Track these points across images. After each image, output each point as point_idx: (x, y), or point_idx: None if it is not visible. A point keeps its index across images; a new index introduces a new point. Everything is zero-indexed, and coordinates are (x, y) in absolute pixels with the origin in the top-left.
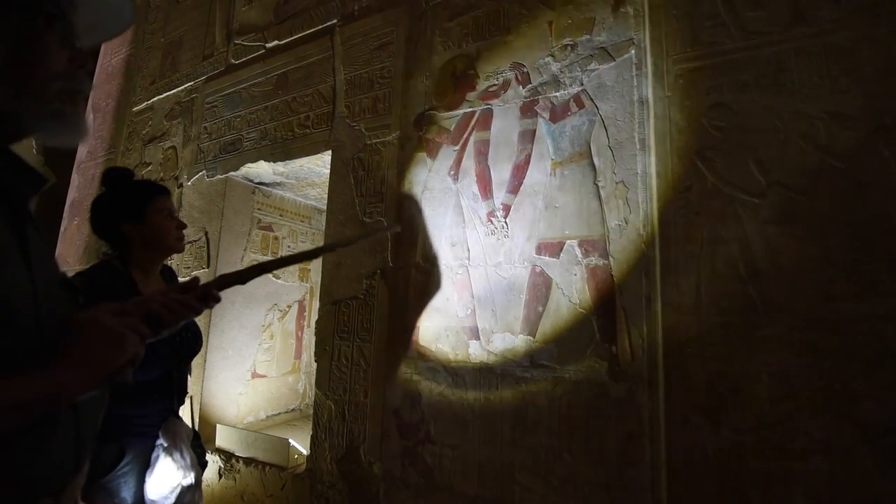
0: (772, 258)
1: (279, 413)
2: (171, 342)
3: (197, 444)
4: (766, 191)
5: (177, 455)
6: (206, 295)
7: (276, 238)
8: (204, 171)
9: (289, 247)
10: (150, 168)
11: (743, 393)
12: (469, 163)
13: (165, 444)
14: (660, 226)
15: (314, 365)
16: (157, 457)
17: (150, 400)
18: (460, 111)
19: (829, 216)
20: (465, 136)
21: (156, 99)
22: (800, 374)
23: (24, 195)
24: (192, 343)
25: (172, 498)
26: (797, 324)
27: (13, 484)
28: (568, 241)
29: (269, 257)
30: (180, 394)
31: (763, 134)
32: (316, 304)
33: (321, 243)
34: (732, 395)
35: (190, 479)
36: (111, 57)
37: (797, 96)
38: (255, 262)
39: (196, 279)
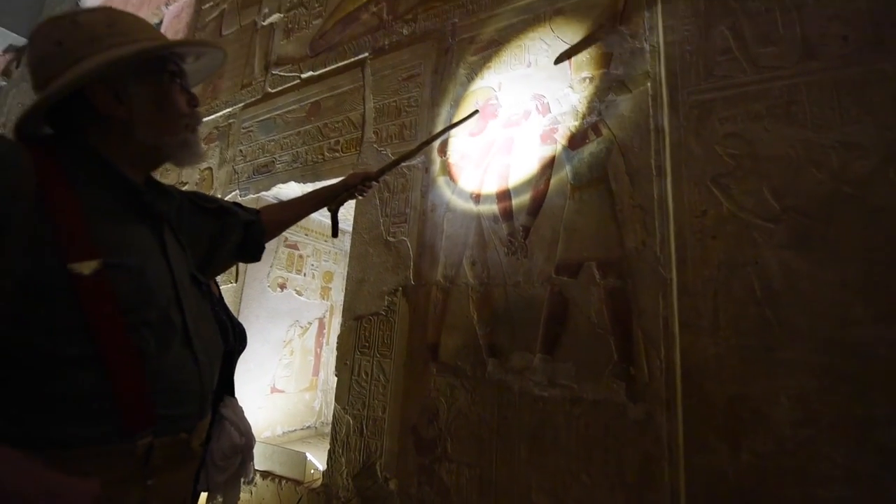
0: (788, 282)
1: (295, 430)
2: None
3: None
4: (780, 216)
5: (238, 423)
6: (373, 180)
7: (300, 256)
8: (237, 191)
9: (312, 265)
10: (186, 187)
11: (762, 416)
12: (490, 186)
13: (226, 415)
14: (676, 249)
15: (331, 382)
16: (221, 426)
17: None
18: (483, 137)
19: (844, 241)
20: (486, 160)
21: None
22: (819, 397)
23: (162, 209)
24: (237, 341)
25: (237, 462)
26: (815, 347)
27: (166, 421)
28: (586, 262)
29: (293, 274)
30: (226, 384)
31: (776, 162)
32: (335, 323)
33: (345, 262)
34: (752, 419)
35: (251, 443)
36: None
37: (809, 126)
38: (280, 280)
39: (368, 172)
